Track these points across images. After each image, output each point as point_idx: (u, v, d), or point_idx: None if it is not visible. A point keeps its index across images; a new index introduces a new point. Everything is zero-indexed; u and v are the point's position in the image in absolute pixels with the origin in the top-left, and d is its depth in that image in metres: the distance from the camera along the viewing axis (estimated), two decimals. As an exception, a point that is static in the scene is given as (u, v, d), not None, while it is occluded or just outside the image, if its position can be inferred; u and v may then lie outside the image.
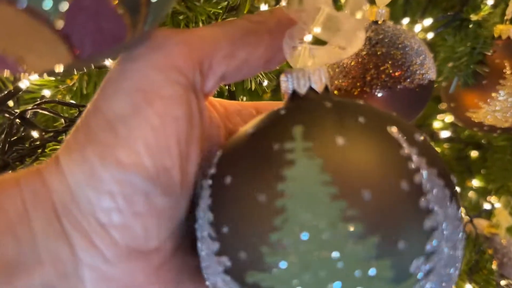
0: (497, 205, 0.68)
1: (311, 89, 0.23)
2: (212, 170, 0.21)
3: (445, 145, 0.92)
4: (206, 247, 0.20)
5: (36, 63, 0.18)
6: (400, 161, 0.19)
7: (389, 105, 0.49)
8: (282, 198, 0.18)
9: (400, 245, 0.18)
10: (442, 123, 0.90)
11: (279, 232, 0.18)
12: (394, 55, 0.48)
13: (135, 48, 0.21)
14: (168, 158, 0.20)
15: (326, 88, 0.23)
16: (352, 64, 0.49)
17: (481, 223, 0.79)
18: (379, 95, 0.49)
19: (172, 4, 0.23)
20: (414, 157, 0.20)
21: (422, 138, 0.21)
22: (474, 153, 0.86)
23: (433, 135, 0.89)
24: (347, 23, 0.23)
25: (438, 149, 0.93)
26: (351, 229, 0.18)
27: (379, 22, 0.51)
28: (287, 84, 0.23)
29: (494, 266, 0.67)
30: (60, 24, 0.16)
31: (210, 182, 0.21)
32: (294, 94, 0.23)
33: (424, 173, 0.19)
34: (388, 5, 0.73)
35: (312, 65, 0.23)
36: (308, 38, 0.24)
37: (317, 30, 0.23)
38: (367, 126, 0.20)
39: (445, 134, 0.84)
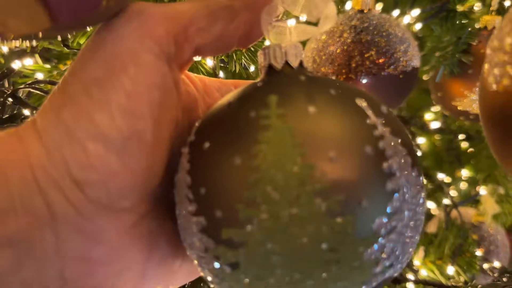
0: (483, 192, 0.69)
1: (287, 64, 0.24)
2: (191, 138, 0.22)
3: (436, 136, 0.94)
4: (184, 209, 0.21)
5: (16, 27, 0.19)
6: (365, 129, 0.21)
7: (375, 91, 0.51)
8: (256, 159, 0.19)
9: (363, 204, 0.19)
10: (433, 115, 0.92)
11: (252, 190, 0.19)
12: (378, 42, 0.49)
13: (111, 18, 0.22)
14: (141, 121, 0.21)
15: (301, 63, 0.24)
16: (338, 51, 0.50)
17: (469, 212, 0.80)
18: (364, 81, 0.50)
19: None
20: (379, 126, 0.21)
21: (388, 111, 0.22)
22: (464, 144, 0.87)
23: (424, 126, 0.90)
24: (320, 1, 0.25)
25: (429, 140, 0.94)
26: (319, 188, 0.19)
27: (364, 11, 0.52)
28: (264, 58, 0.24)
29: (480, 252, 0.68)
30: None
31: (188, 149, 0.22)
32: (271, 68, 0.24)
33: (388, 140, 0.21)
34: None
35: (288, 41, 0.24)
36: (284, 15, 0.25)
37: (292, 8, 0.25)
38: (337, 97, 0.22)
39: (435, 125, 0.86)
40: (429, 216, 0.85)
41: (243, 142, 0.20)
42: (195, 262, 0.23)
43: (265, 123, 0.20)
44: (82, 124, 0.20)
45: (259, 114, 0.20)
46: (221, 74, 0.51)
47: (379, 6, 0.73)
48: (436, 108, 0.90)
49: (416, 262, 0.57)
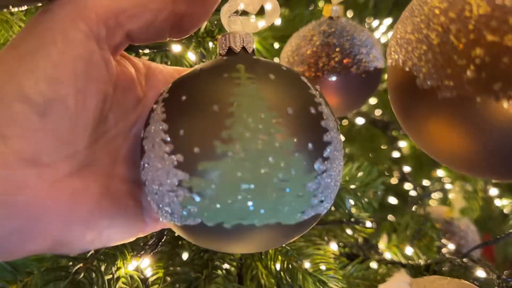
0: (449, 186, 0.75)
1: (243, 48, 0.29)
2: (165, 95, 0.27)
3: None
4: (159, 152, 0.25)
5: None
6: (309, 95, 0.27)
7: (340, 88, 0.57)
8: (232, 107, 0.24)
9: (309, 147, 0.25)
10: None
11: (229, 130, 0.24)
12: (343, 45, 0.56)
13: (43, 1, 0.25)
14: (63, 88, 0.24)
15: (253, 50, 0.30)
16: (308, 53, 0.57)
17: (442, 209, 0.86)
18: (330, 79, 0.57)
19: None
20: (318, 96, 0.27)
21: (319, 90, 0.29)
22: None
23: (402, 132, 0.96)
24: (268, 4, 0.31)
25: (410, 144, 1.00)
26: (279, 131, 0.24)
27: (333, 18, 0.59)
28: (224, 42, 0.29)
29: (451, 245, 0.73)
30: None
31: (162, 103, 0.26)
32: (229, 51, 0.29)
33: (324, 106, 0.27)
34: (359, 8, 0.82)
35: (244, 30, 0.30)
36: (240, 9, 0.31)
37: (245, 6, 0.30)
38: (288, 71, 0.28)
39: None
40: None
41: (219, 94, 0.25)
42: (160, 200, 0.26)
43: (238, 82, 0.25)
44: (11, 87, 0.23)
45: (231, 75, 0.26)
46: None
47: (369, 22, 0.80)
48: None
49: (381, 246, 0.63)
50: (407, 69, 0.27)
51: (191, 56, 0.51)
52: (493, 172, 0.29)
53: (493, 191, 0.82)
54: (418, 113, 0.28)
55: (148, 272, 0.45)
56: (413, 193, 0.75)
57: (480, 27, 0.23)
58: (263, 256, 0.47)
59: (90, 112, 0.26)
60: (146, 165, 0.27)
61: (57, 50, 0.23)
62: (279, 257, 0.46)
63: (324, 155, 0.26)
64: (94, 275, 0.38)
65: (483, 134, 0.25)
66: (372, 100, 0.99)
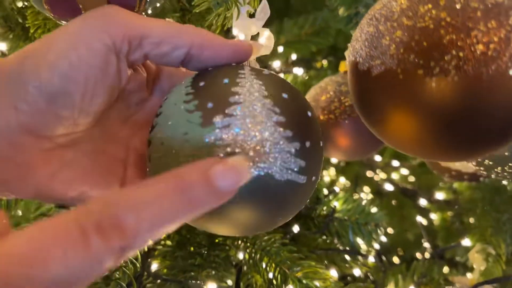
0: (467, 243, 0.74)
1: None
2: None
3: (448, 213, 0.99)
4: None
5: (89, 8, 0.36)
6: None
7: (352, 129, 0.63)
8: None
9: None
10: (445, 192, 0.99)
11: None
12: (354, 93, 0.64)
13: None
14: (73, 85, 0.27)
15: None
16: (323, 99, 0.66)
17: (467, 278, 0.83)
18: (342, 121, 0.64)
19: None
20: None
21: None
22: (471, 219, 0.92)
23: (433, 200, 0.97)
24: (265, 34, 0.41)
25: (441, 216, 1.00)
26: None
27: (347, 71, 0.67)
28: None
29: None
30: None
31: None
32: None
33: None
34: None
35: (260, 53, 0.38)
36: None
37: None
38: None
39: (440, 196, 0.93)
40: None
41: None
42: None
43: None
44: (32, 73, 0.27)
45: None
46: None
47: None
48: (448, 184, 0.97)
49: (390, 290, 0.64)
50: (353, 58, 0.34)
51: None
52: (433, 147, 0.33)
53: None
54: (363, 91, 0.35)
55: (154, 267, 0.51)
56: (426, 245, 0.75)
57: (400, 16, 0.31)
58: (258, 263, 0.51)
59: (94, 108, 0.30)
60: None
61: (76, 54, 0.27)
62: (273, 265, 0.50)
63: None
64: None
65: (410, 103, 0.31)
66: (404, 171, 1.03)
